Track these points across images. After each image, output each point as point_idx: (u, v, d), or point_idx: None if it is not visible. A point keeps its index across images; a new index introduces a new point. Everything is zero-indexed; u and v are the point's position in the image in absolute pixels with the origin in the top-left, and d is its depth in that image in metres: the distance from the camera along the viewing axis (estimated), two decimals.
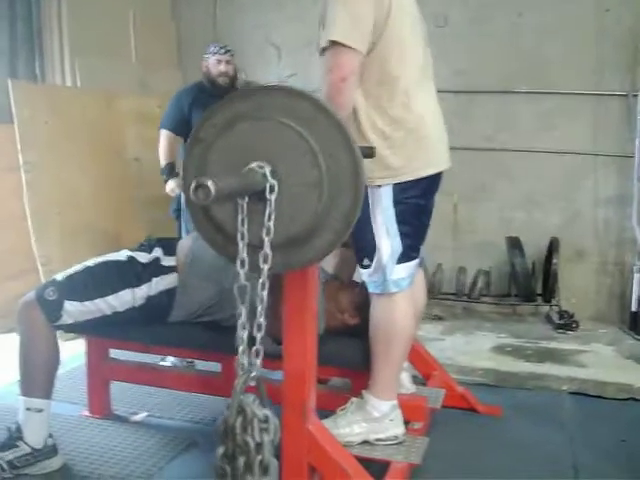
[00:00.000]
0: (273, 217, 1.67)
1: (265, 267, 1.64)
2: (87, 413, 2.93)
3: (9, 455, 2.36)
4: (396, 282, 2.40)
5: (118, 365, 2.88)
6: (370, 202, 2.35)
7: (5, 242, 4.33)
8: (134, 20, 5.38)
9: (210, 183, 1.43)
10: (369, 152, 2.04)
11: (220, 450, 1.56)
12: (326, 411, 2.36)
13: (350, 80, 2.23)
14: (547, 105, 5.02)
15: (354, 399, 2.48)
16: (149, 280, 2.47)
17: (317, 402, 2.12)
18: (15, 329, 2.62)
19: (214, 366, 2.70)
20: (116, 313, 2.47)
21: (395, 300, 2.42)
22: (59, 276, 2.48)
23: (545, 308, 4.95)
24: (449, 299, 5.08)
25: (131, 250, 2.58)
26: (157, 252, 2.56)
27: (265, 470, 1.55)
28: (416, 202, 2.42)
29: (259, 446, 1.54)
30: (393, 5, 2.28)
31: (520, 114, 5.09)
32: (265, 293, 1.65)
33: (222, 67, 4.23)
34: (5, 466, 2.34)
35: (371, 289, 2.45)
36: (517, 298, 4.95)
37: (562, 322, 4.61)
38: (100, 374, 2.89)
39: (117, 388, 3.00)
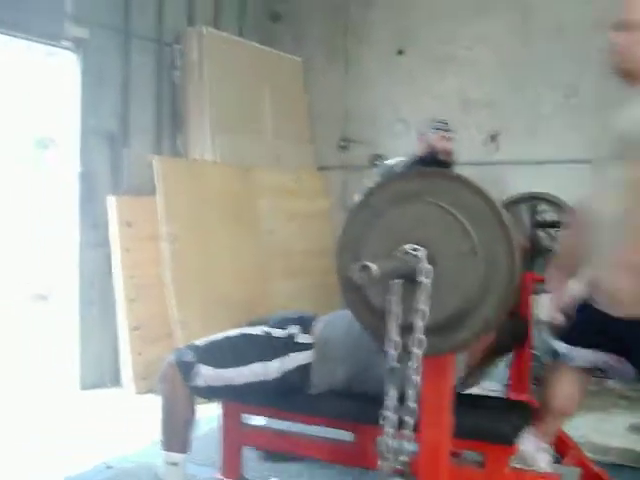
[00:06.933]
0: (427, 301, 1.67)
1: (419, 352, 1.65)
2: (220, 476, 3.00)
3: None
4: None
5: (251, 430, 2.94)
6: None
7: (145, 308, 4.58)
8: (269, 96, 5.62)
9: (372, 265, 1.49)
10: None
11: None
12: None
13: None
14: None
15: None
16: (283, 355, 2.53)
17: (450, 475, 2.11)
18: (154, 390, 2.75)
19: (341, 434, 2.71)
20: (247, 384, 2.54)
21: None
22: (199, 341, 2.61)
23: None
24: None
25: (267, 325, 2.65)
26: (293, 329, 2.61)
27: None
28: None
29: None
30: None
31: None
32: (418, 378, 1.66)
33: (447, 144, 4.14)
34: None
35: None
36: None
37: None
38: (233, 438, 2.96)
39: (250, 452, 3.07)
